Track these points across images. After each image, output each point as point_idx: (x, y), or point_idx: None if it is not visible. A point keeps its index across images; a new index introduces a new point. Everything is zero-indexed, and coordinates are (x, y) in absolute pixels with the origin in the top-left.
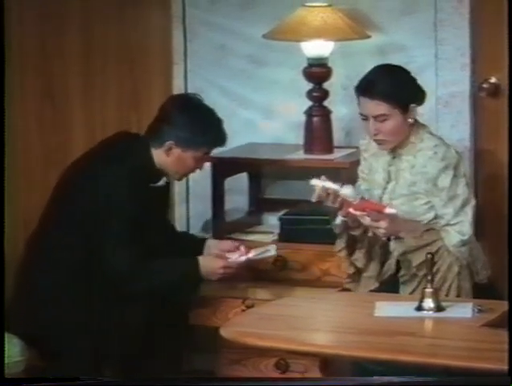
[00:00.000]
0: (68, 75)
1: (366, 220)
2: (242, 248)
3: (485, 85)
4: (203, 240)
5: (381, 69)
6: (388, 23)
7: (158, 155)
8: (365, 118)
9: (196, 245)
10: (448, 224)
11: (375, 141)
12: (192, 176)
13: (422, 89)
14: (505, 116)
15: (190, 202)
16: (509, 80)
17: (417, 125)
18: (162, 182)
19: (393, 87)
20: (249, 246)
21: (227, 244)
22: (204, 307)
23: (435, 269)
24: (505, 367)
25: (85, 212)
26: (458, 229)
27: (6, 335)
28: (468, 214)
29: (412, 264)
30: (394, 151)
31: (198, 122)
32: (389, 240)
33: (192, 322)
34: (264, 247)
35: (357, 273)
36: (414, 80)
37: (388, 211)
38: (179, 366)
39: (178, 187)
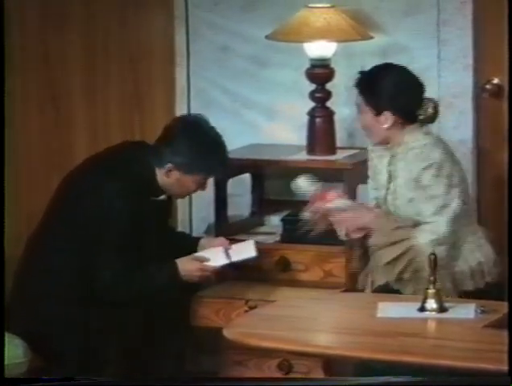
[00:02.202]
0: (70, 76)
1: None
2: (223, 252)
3: (487, 86)
4: (197, 240)
5: (380, 66)
6: (391, 24)
7: (160, 175)
8: None
9: (191, 245)
10: (424, 222)
11: None
12: None
13: (414, 105)
14: (507, 116)
15: (193, 203)
16: (510, 81)
17: (414, 126)
18: (164, 197)
19: (371, 85)
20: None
21: (219, 240)
22: (207, 308)
23: (403, 266)
24: (506, 367)
25: (86, 220)
26: (430, 228)
27: (9, 336)
28: (446, 215)
29: (382, 260)
30: (392, 150)
31: (199, 149)
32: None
33: (195, 323)
34: (243, 243)
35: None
36: (405, 90)
37: (331, 196)
38: (181, 366)
39: None
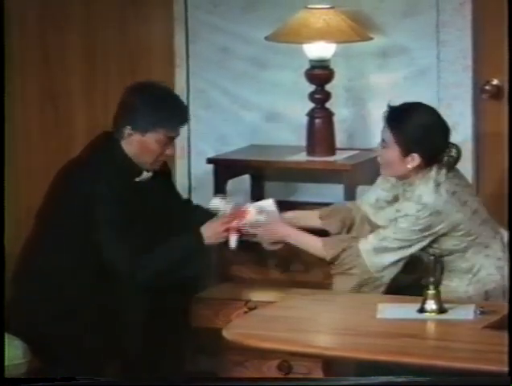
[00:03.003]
0: (70, 76)
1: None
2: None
3: (487, 87)
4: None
5: (412, 105)
6: (390, 25)
7: (125, 147)
8: None
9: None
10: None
11: None
12: (193, 177)
13: (441, 149)
14: (506, 117)
15: None
16: (509, 82)
17: (431, 169)
18: (146, 175)
19: (404, 125)
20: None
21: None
22: (207, 309)
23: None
24: (506, 368)
25: (77, 215)
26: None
27: (9, 337)
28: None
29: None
30: (404, 186)
31: (149, 102)
32: None
33: (195, 323)
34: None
35: None
36: (436, 134)
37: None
38: (181, 366)
39: (179, 189)
